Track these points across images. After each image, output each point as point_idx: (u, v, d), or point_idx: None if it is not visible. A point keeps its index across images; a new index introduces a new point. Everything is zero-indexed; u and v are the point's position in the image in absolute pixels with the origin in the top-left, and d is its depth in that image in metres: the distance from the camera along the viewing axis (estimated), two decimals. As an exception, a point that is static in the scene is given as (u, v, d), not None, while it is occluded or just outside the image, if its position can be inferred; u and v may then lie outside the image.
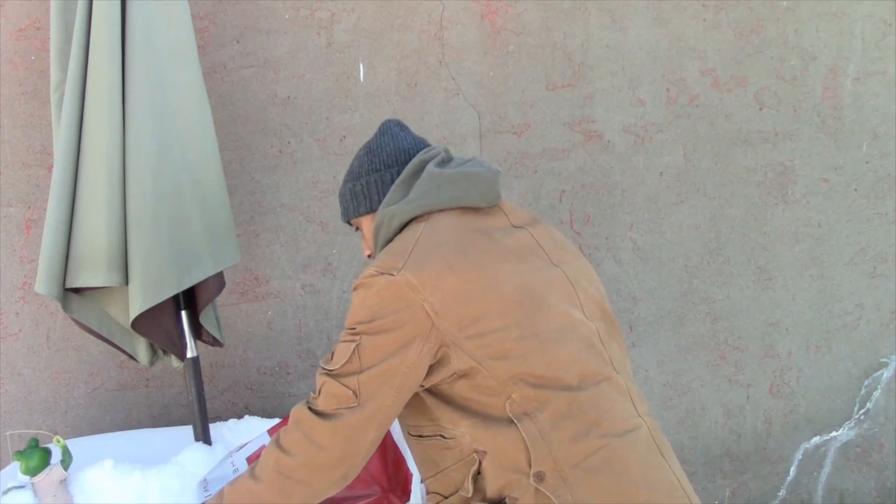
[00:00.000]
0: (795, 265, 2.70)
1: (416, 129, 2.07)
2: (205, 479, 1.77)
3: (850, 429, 2.83)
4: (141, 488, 1.79)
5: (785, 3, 2.56)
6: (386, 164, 1.51)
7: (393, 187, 1.47)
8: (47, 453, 1.74)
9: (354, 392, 1.32)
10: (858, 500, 2.89)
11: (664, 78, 2.52)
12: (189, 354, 1.99)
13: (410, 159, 1.50)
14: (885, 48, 2.64)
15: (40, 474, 1.72)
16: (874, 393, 2.82)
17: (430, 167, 1.45)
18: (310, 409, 1.36)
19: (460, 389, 1.36)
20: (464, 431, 1.37)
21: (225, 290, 2.07)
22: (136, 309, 1.82)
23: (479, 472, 1.37)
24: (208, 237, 1.94)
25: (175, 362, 2.03)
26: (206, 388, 2.12)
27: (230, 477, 1.72)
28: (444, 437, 1.40)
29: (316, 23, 2.30)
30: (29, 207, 2.20)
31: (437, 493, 1.45)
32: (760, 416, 2.76)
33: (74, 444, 1.88)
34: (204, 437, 2.01)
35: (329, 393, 1.35)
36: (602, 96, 2.49)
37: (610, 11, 2.46)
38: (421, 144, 1.54)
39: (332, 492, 1.38)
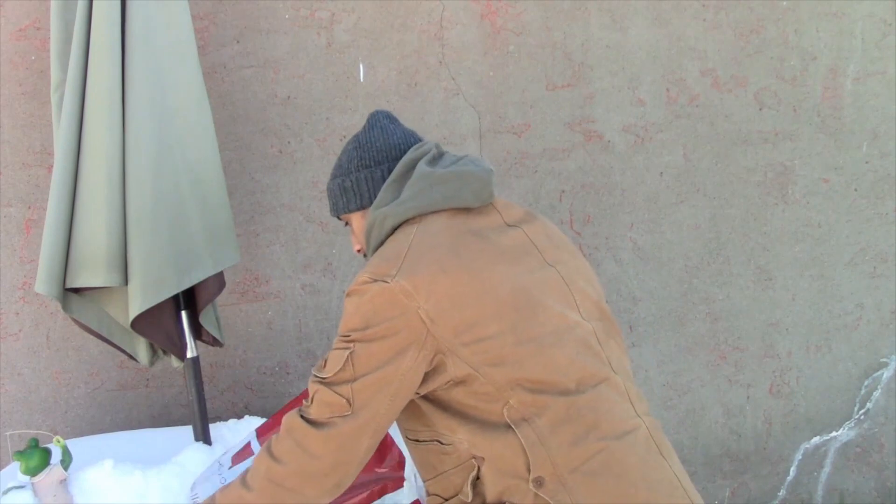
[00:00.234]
0: (795, 265, 2.70)
1: (417, 129, 2.07)
2: (193, 482, 1.77)
3: (850, 429, 2.83)
4: (141, 488, 1.79)
5: (785, 3, 2.56)
6: (376, 160, 1.48)
7: (384, 186, 1.44)
8: (47, 453, 1.74)
9: (348, 400, 1.30)
10: (858, 500, 2.89)
11: (664, 78, 2.52)
12: (189, 354, 1.99)
13: (401, 155, 1.47)
14: (885, 48, 2.64)
15: (40, 474, 1.72)
16: (874, 393, 2.82)
17: (422, 166, 1.43)
18: (302, 417, 1.34)
19: (457, 396, 1.35)
20: (461, 438, 1.36)
21: (225, 290, 2.07)
22: (135, 309, 1.82)
23: (477, 478, 1.37)
24: (208, 237, 1.94)
25: (175, 362, 2.03)
26: (206, 388, 2.12)
27: (216, 477, 1.72)
28: (442, 443, 1.39)
29: (316, 23, 2.30)
30: (29, 207, 2.20)
31: (437, 496, 1.44)
32: (760, 416, 2.76)
33: (74, 444, 1.87)
34: (204, 437, 2.01)
35: (322, 401, 1.32)
36: (602, 96, 2.49)
37: (610, 11, 2.46)
38: (411, 139, 1.51)
39: (325, 500, 1.35)
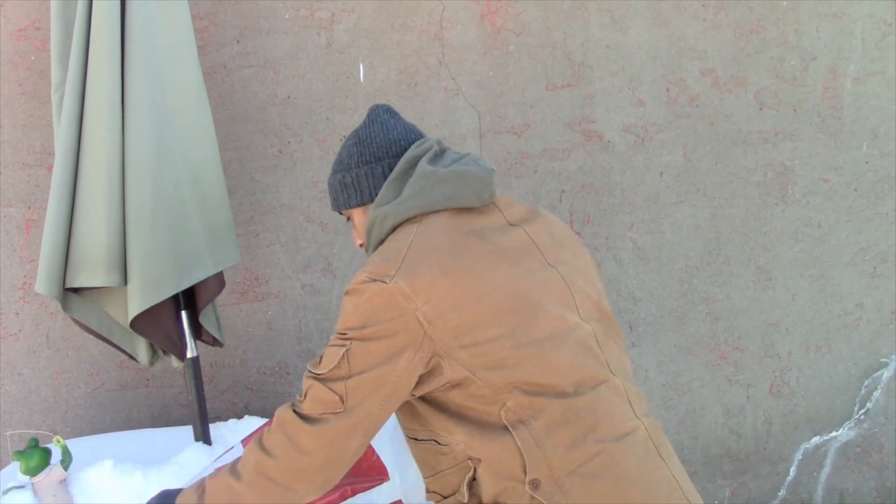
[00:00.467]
0: (795, 265, 2.70)
1: (416, 129, 2.07)
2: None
3: (850, 429, 2.83)
4: (141, 488, 1.79)
5: (785, 3, 2.56)
6: (376, 156, 1.47)
7: (385, 184, 1.43)
8: (47, 453, 1.74)
9: (341, 398, 1.30)
10: (858, 500, 2.89)
11: (664, 78, 2.52)
12: (189, 354, 1.99)
13: (402, 151, 1.46)
14: (885, 48, 2.64)
15: (40, 474, 1.72)
16: (874, 393, 2.82)
17: (424, 164, 1.41)
18: (295, 411, 1.33)
19: (455, 397, 1.35)
20: (458, 439, 1.36)
21: (225, 290, 2.07)
22: (135, 309, 1.82)
23: (474, 479, 1.37)
24: (208, 237, 1.94)
25: (175, 362, 2.03)
26: (206, 388, 2.12)
27: None
28: (439, 443, 1.39)
29: (316, 23, 2.30)
30: (29, 207, 2.20)
31: (436, 493, 1.45)
32: (760, 416, 2.76)
33: (74, 444, 1.87)
34: (204, 437, 2.01)
35: (315, 397, 1.32)
36: (602, 96, 2.49)
37: (610, 11, 2.46)
38: (412, 134, 1.49)
39: (312, 497, 1.35)
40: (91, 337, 2.03)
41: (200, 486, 1.39)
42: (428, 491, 1.47)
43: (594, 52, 2.47)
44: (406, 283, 1.29)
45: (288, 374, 2.41)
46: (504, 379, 1.31)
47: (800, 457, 2.81)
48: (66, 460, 1.77)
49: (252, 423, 2.13)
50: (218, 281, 1.97)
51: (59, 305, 1.88)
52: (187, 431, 2.03)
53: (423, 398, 1.38)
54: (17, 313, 2.23)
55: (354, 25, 2.32)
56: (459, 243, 1.35)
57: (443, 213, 1.39)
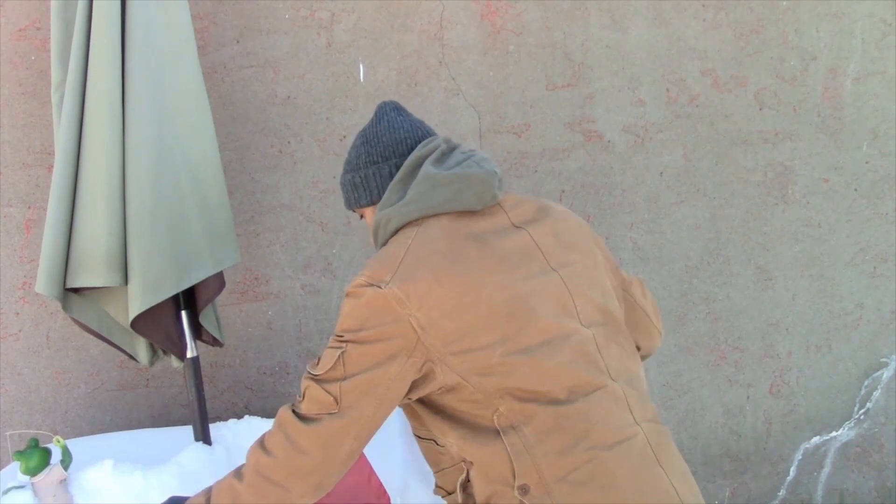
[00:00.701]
0: (795, 265, 2.70)
1: (416, 129, 2.07)
2: None
3: (850, 429, 2.83)
4: (141, 488, 1.79)
5: (785, 3, 2.56)
6: (383, 156, 1.47)
7: (391, 186, 1.44)
8: (47, 453, 1.74)
9: (336, 399, 1.31)
10: (858, 500, 2.89)
11: (664, 78, 2.52)
12: (189, 354, 1.99)
13: (409, 150, 1.46)
14: (885, 48, 2.64)
15: (40, 474, 1.72)
16: (874, 393, 2.82)
17: (427, 166, 1.41)
18: (293, 411, 1.36)
19: (450, 401, 1.36)
20: (451, 441, 1.38)
21: (225, 290, 2.07)
22: (135, 309, 1.82)
23: (467, 480, 1.38)
24: (208, 237, 1.94)
25: (175, 362, 2.03)
26: (206, 388, 2.12)
27: None
28: (437, 444, 1.42)
29: (316, 23, 2.30)
30: (29, 207, 2.20)
31: (441, 488, 1.47)
32: (760, 416, 2.76)
33: (74, 444, 1.87)
34: (204, 437, 2.01)
35: (312, 397, 1.34)
36: (602, 96, 2.49)
37: (610, 11, 2.46)
38: (419, 132, 1.49)
39: (308, 500, 1.36)
40: (91, 337, 2.03)
41: (209, 490, 1.42)
42: (436, 486, 1.50)
43: (594, 52, 2.47)
44: (400, 290, 1.30)
45: (288, 374, 2.41)
46: (496, 385, 1.32)
47: (800, 457, 2.81)
48: (66, 460, 1.77)
49: (252, 423, 2.12)
50: (218, 281, 1.97)
51: (59, 305, 1.88)
52: (187, 431, 2.03)
53: (420, 400, 1.39)
54: (17, 313, 2.23)
55: (354, 25, 2.32)
56: (456, 249, 1.35)
57: (444, 215, 1.39)
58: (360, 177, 1.49)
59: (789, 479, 2.82)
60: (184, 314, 1.97)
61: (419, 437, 1.46)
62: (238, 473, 1.38)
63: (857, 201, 2.71)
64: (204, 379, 2.12)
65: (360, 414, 1.32)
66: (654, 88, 2.52)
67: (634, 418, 1.38)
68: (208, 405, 2.12)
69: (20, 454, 1.71)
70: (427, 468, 1.63)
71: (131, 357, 2.03)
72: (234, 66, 2.27)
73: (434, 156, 1.43)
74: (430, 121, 2.38)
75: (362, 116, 2.34)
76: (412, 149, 1.46)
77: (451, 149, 1.47)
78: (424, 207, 1.39)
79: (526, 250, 1.40)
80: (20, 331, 2.24)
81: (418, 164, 1.43)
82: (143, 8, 1.81)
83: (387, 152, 1.47)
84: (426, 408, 1.39)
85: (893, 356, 2.81)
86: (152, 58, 1.83)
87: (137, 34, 1.80)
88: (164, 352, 2.03)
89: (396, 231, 1.42)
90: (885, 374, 2.81)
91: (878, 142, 2.68)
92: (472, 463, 1.36)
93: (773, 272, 2.68)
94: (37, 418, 2.28)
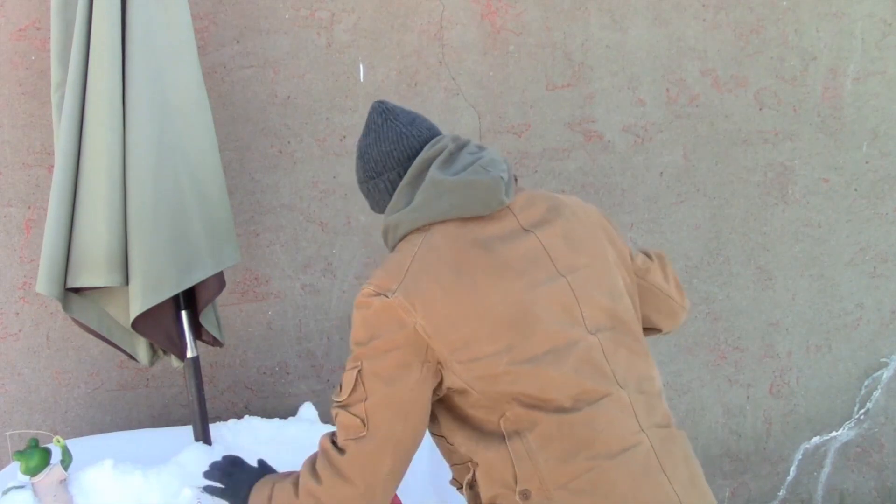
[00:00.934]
0: (795, 265, 2.70)
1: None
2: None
3: (850, 429, 2.83)
4: (141, 488, 1.79)
5: (785, 3, 2.56)
6: (376, 170, 1.48)
7: (398, 189, 1.44)
8: (47, 453, 1.74)
9: (363, 421, 1.33)
10: (858, 500, 2.89)
11: (664, 78, 2.52)
12: (189, 354, 1.99)
13: (397, 162, 1.46)
14: (885, 48, 2.64)
15: (40, 474, 1.72)
16: (874, 393, 2.82)
17: (434, 171, 1.40)
18: (332, 441, 1.39)
19: (459, 402, 1.37)
20: (459, 442, 1.39)
21: (225, 290, 2.07)
22: (136, 309, 1.82)
23: (474, 479, 1.39)
24: (208, 237, 1.94)
25: (175, 362, 2.03)
26: (206, 388, 2.12)
27: None
28: (447, 441, 1.43)
29: (316, 23, 2.30)
30: (29, 207, 2.20)
31: (456, 480, 1.48)
32: (760, 416, 2.76)
33: (74, 444, 1.87)
34: (204, 437, 2.01)
35: (341, 424, 1.36)
36: (602, 96, 2.49)
37: (610, 11, 2.46)
38: (404, 140, 1.47)
39: None
40: (91, 337, 2.03)
41: (272, 486, 1.46)
42: (452, 477, 1.51)
43: (594, 52, 2.47)
44: (406, 299, 1.32)
45: (288, 374, 2.41)
46: (500, 392, 1.33)
47: (800, 457, 2.81)
48: (66, 460, 1.77)
49: (252, 422, 2.13)
50: (218, 281, 1.97)
51: (59, 305, 1.88)
52: (187, 431, 2.03)
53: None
54: (17, 313, 2.23)
55: (354, 25, 2.32)
56: (461, 257, 1.35)
57: (451, 222, 1.39)
58: (366, 189, 1.53)
59: (789, 479, 2.82)
60: (184, 314, 1.97)
61: (432, 433, 1.47)
62: (295, 485, 1.41)
63: (857, 201, 2.71)
64: (204, 379, 2.11)
65: (390, 431, 1.34)
66: (654, 88, 2.52)
67: (640, 425, 1.37)
68: (208, 405, 2.12)
69: (20, 454, 1.71)
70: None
71: (131, 357, 2.03)
72: (234, 66, 2.27)
73: (441, 157, 1.42)
74: (431, 121, 2.38)
75: (362, 116, 2.34)
76: (401, 161, 1.46)
77: (460, 147, 1.46)
78: (430, 214, 1.39)
79: (533, 256, 1.39)
80: (20, 331, 2.24)
81: (425, 167, 1.42)
82: (143, 8, 1.81)
83: (378, 167, 1.48)
84: (439, 405, 1.41)
85: (893, 356, 2.81)
86: (152, 58, 1.83)
87: (137, 34, 1.80)
88: (164, 352, 2.03)
89: (405, 236, 1.42)
90: (885, 374, 2.81)
91: (878, 142, 2.68)
92: (477, 464, 1.37)
93: (773, 272, 2.68)
94: (37, 418, 2.28)
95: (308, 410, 2.19)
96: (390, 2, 2.33)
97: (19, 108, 2.16)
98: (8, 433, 2.23)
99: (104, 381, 2.30)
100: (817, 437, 2.81)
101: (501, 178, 1.41)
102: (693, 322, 2.66)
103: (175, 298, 1.93)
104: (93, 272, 1.81)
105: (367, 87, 2.34)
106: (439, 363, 1.33)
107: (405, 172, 1.45)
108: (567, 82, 2.47)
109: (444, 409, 1.41)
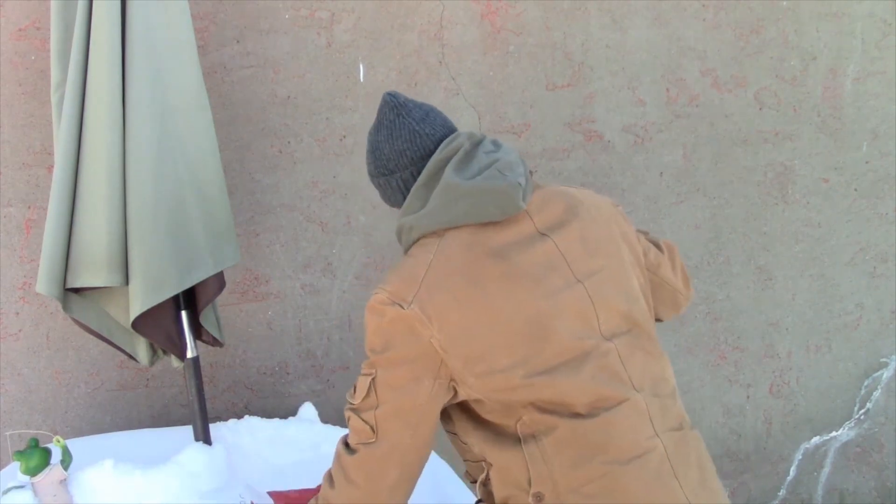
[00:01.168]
0: (795, 265, 2.70)
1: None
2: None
3: (850, 429, 2.83)
4: (141, 488, 1.79)
5: (785, 3, 2.56)
6: (388, 168, 1.44)
7: (413, 190, 1.40)
8: (47, 453, 1.74)
9: (372, 428, 1.34)
10: (858, 500, 2.89)
11: (664, 78, 2.52)
12: (189, 354, 1.99)
13: (411, 161, 1.41)
14: (885, 48, 2.64)
15: (40, 474, 1.72)
16: (874, 393, 2.82)
17: (449, 173, 1.36)
18: (344, 443, 1.39)
19: (474, 407, 1.38)
20: (473, 442, 1.39)
21: (225, 290, 2.07)
22: (136, 309, 1.82)
23: (487, 478, 1.39)
24: (209, 237, 1.94)
25: (175, 362, 2.03)
26: (206, 388, 2.12)
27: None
28: (461, 440, 1.44)
29: (316, 23, 2.30)
30: (29, 207, 2.20)
31: (469, 474, 1.49)
32: (760, 416, 2.76)
33: (74, 444, 1.87)
34: (204, 437, 2.01)
35: (353, 427, 1.37)
36: (602, 96, 2.49)
37: (610, 11, 2.46)
38: (417, 139, 1.42)
39: None
40: (91, 337, 2.03)
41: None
42: (465, 472, 1.51)
43: (594, 52, 2.47)
44: (422, 311, 1.30)
45: (288, 374, 2.41)
46: (517, 399, 1.33)
47: (800, 457, 2.81)
48: (66, 460, 1.77)
49: (252, 422, 2.13)
50: (218, 281, 1.97)
51: (59, 305, 1.88)
52: (187, 431, 2.03)
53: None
54: (17, 313, 2.23)
55: (354, 25, 2.32)
56: (476, 268, 1.33)
57: (466, 227, 1.35)
58: (378, 183, 1.48)
59: (789, 479, 2.82)
60: (184, 314, 1.97)
61: (445, 430, 1.48)
62: (316, 498, 1.45)
63: (857, 201, 2.71)
64: (204, 379, 2.11)
65: (398, 441, 1.34)
66: (654, 88, 2.52)
67: (655, 430, 1.37)
68: (208, 405, 2.12)
69: (20, 454, 1.71)
70: None
71: (131, 357, 2.03)
72: (234, 66, 2.27)
73: (457, 158, 1.38)
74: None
75: (362, 116, 2.34)
76: (414, 160, 1.41)
77: (475, 145, 1.41)
78: (445, 220, 1.35)
79: (550, 262, 1.36)
80: (20, 331, 2.24)
81: (440, 168, 1.38)
82: (143, 8, 1.81)
83: (390, 165, 1.43)
84: (453, 405, 1.41)
85: (893, 356, 2.81)
86: (152, 58, 1.83)
87: (137, 34, 1.80)
88: (164, 352, 2.03)
89: (419, 239, 1.40)
90: (885, 374, 2.81)
91: (878, 142, 2.68)
92: (491, 464, 1.38)
93: (773, 272, 2.68)
94: (37, 418, 2.28)
95: (308, 410, 2.19)
96: (390, 2, 2.33)
97: (19, 108, 2.16)
98: (8, 433, 2.23)
99: (104, 381, 2.30)
100: (817, 437, 2.81)
101: (519, 183, 1.36)
102: (693, 322, 2.66)
103: (175, 298, 1.93)
104: (93, 272, 1.81)
105: (367, 87, 2.34)
106: (452, 380, 1.33)
107: (418, 172, 1.41)
108: (567, 82, 2.47)
109: (459, 409, 1.41)
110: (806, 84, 2.61)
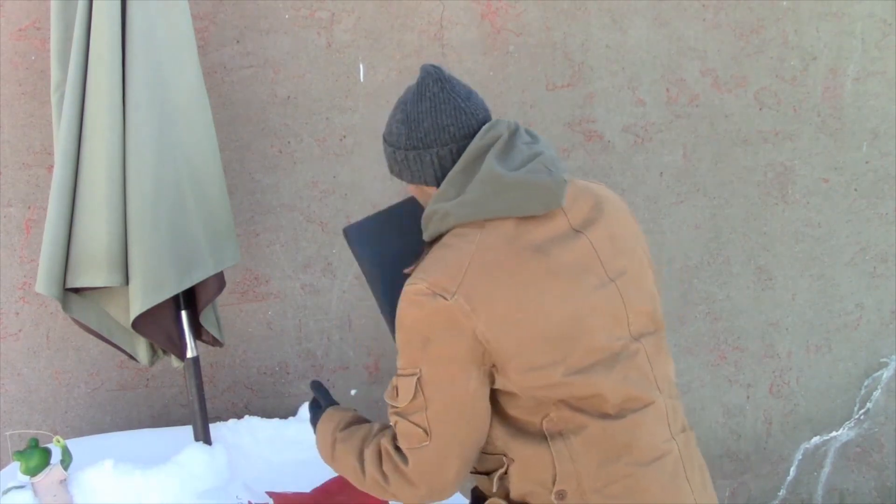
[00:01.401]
0: (795, 265, 2.70)
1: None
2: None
3: (850, 429, 2.83)
4: (141, 488, 1.79)
5: (785, 3, 2.56)
6: (424, 142, 1.35)
7: (449, 176, 1.33)
8: (47, 453, 1.74)
9: (425, 430, 1.30)
10: (858, 500, 2.89)
11: (664, 78, 2.52)
12: (189, 354, 1.99)
13: (451, 139, 1.35)
14: (885, 48, 2.64)
15: (40, 474, 1.73)
16: (874, 393, 2.82)
17: (492, 162, 1.30)
18: (395, 446, 1.36)
19: (501, 400, 1.36)
20: (496, 435, 1.37)
21: (225, 290, 2.07)
22: (136, 309, 1.82)
23: (505, 473, 1.38)
24: (209, 237, 1.94)
25: (175, 362, 2.03)
26: (206, 388, 2.12)
27: None
28: None
29: (316, 23, 2.30)
30: (29, 207, 2.20)
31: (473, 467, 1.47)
32: (760, 416, 2.76)
33: (74, 444, 1.88)
34: (204, 437, 2.01)
35: (403, 433, 1.34)
36: (602, 96, 2.49)
37: (610, 11, 2.46)
38: (462, 116, 1.37)
39: None
40: (91, 337, 2.03)
41: (335, 438, 1.45)
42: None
43: (594, 52, 2.46)
44: (467, 302, 1.26)
45: (288, 374, 2.41)
46: (550, 396, 1.32)
47: (800, 457, 2.81)
48: (66, 460, 1.77)
49: (252, 422, 2.13)
50: (218, 281, 1.97)
51: (59, 305, 1.88)
52: (187, 431, 2.03)
53: None
54: (17, 313, 2.23)
55: (354, 25, 2.32)
56: (519, 262, 1.30)
57: (507, 220, 1.31)
58: (402, 156, 1.38)
59: (789, 479, 2.82)
60: (184, 314, 1.97)
61: None
62: (361, 459, 1.40)
63: (857, 201, 2.71)
64: (204, 379, 2.11)
65: (454, 437, 1.31)
66: (654, 88, 2.52)
67: (671, 432, 1.39)
68: (208, 405, 2.12)
69: (20, 454, 1.71)
70: None
71: (131, 357, 2.03)
72: (234, 66, 2.27)
73: (498, 146, 1.33)
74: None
75: (362, 116, 2.34)
76: (455, 138, 1.35)
77: (513, 133, 1.36)
78: (486, 211, 1.30)
79: (585, 261, 1.34)
80: (20, 331, 2.24)
81: (481, 154, 1.33)
82: (143, 8, 1.81)
83: (428, 139, 1.35)
84: None
85: (893, 356, 2.81)
86: (152, 58, 1.83)
87: (137, 34, 1.80)
88: (164, 352, 2.03)
89: (451, 228, 1.34)
90: (885, 374, 2.81)
91: (878, 142, 2.68)
92: (513, 460, 1.36)
93: (773, 272, 2.68)
94: (37, 418, 2.28)
95: (308, 410, 2.19)
96: (390, 2, 2.33)
97: (19, 108, 2.16)
98: (8, 433, 2.23)
99: (104, 381, 2.30)
100: (817, 437, 2.81)
101: (564, 180, 1.34)
102: (693, 322, 2.66)
103: (175, 298, 1.93)
104: (93, 272, 1.81)
105: (367, 87, 2.34)
106: (494, 366, 1.31)
107: (457, 151, 1.35)
108: (567, 82, 2.47)
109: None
110: (806, 84, 2.61)
